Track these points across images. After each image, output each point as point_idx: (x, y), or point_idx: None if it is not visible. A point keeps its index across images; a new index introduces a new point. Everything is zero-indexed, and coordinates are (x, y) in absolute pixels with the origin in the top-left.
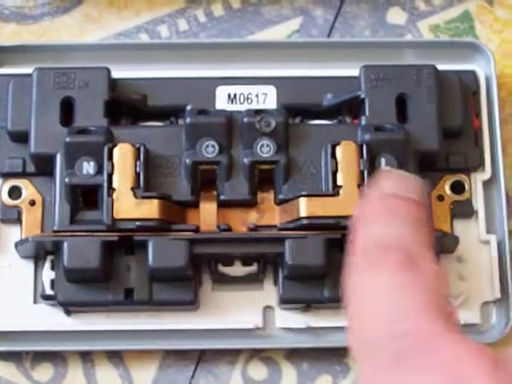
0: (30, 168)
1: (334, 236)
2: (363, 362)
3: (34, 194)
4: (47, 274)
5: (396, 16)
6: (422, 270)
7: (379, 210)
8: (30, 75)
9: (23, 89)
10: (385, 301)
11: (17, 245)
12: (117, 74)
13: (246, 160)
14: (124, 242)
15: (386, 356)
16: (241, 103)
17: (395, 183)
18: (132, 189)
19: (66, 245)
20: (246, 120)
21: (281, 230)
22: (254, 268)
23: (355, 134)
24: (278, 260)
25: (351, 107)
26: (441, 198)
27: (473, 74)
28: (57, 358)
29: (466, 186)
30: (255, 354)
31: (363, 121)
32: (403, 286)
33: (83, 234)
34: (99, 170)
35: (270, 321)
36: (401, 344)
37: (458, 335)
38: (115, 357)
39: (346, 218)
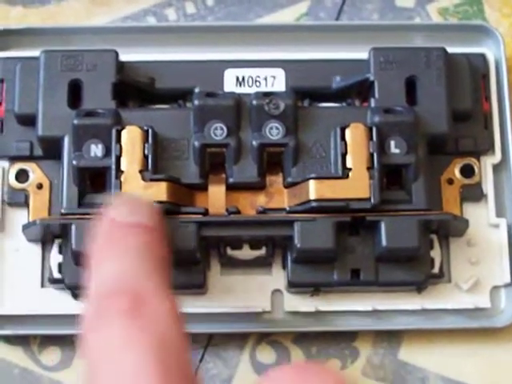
0: (38, 151)
1: (344, 219)
2: None
3: (42, 177)
4: (55, 257)
5: None
6: (150, 312)
7: (106, 244)
8: (37, 58)
9: (30, 72)
10: (117, 366)
11: (24, 228)
12: (124, 57)
13: (254, 142)
14: None
15: None
16: (249, 86)
17: (125, 208)
18: (140, 171)
19: (73, 228)
20: (254, 102)
21: (290, 212)
22: (262, 251)
23: (364, 116)
24: (287, 243)
25: (360, 90)
26: (450, 181)
27: (482, 56)
28: (64, 341)
29: (476, 170)
30: (263, 337)
31: (372, 103)
32: (130, 344)
33: (91, 216)
34: (107, 152)
35: (279, 305)
36: None
37: None
38: None
39: (355, 200)
